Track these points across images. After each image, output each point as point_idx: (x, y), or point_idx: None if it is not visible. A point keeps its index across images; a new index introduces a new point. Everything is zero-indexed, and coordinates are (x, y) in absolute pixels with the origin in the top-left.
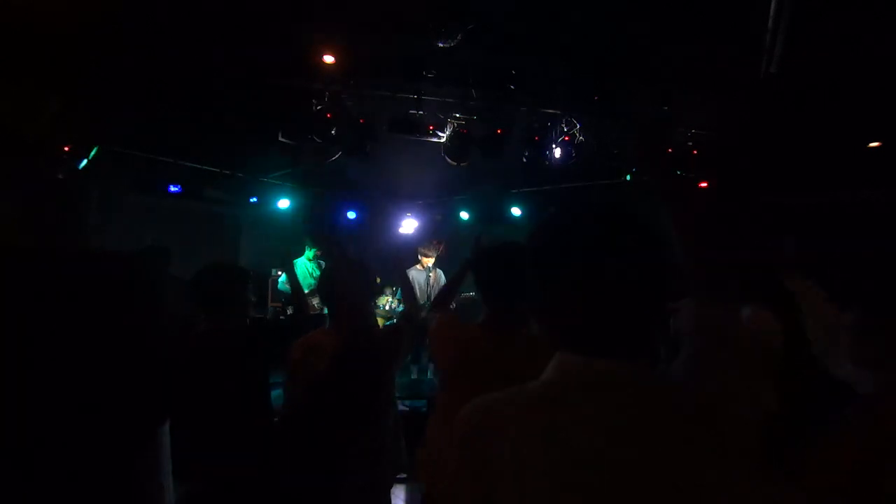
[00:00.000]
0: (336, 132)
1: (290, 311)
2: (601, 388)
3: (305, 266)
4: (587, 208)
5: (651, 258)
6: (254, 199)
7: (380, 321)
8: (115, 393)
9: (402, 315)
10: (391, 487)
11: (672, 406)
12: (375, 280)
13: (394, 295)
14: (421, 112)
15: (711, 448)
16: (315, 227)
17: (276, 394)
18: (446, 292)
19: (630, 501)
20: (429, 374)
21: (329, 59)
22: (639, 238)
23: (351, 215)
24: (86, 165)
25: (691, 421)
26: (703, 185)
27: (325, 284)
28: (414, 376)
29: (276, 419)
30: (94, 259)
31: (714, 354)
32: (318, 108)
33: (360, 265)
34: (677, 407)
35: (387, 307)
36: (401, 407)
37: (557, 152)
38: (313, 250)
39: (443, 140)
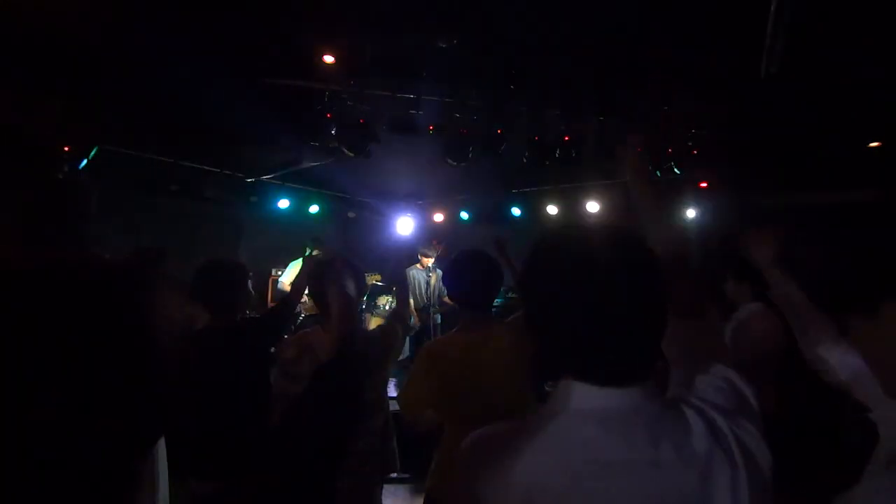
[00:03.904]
0: (336, 132)
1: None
2: (608, 419)
3: None
4: (584, 232)
5: (651, 281)
6: (254, 199)
7: (379, 321)
8: (114, 401)
9: (393, 314)
10: (380, 487)
11: (677, 434)
12: (365, 280)
13: (394, 295)
14: (421, 112)
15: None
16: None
17: None
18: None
19: None
20: None
21: (329, 59)
22: (637, 261)
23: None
24: (86, 165)
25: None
26: (703, 185)
27: (315, 284)
28: None
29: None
30: (88, 265)
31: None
32: (318, 108)
33: (350, 264)
34: (682, 435)
35: (387, 307)
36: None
37: (557, 152)
38: (310, 251)
39: (443, 140)
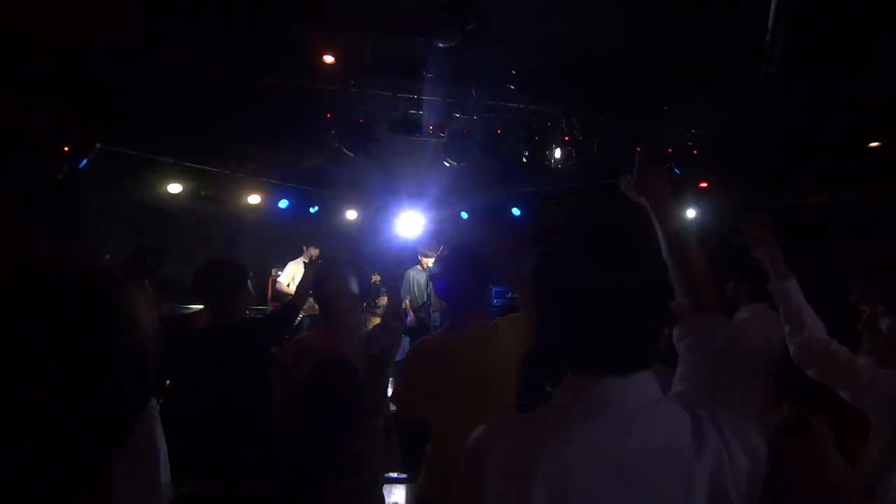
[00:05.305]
0: (336, 132)
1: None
2: (614, 407)
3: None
4: (584, 228)
5: (649, 273)
6: (254, 200)
7: (378, 321)
8: (97, 397)
9: (391, 312)
10: (381, 488)
11: (666, 424)
12: (370, 281)
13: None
14: (421, 112)
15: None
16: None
17: None
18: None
19: None
20: None
21: (329, 59)
22: (636, 254)
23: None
24: (86, 165)
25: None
26: (703, 185)
27: (320, 285)
28: None
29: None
30: (72, 267)
31: (711, 366)
32: (319, 108)
33: (355, 266)
34: (672, 424)
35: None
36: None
37: (557, 152)
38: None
39: (443, 140)
